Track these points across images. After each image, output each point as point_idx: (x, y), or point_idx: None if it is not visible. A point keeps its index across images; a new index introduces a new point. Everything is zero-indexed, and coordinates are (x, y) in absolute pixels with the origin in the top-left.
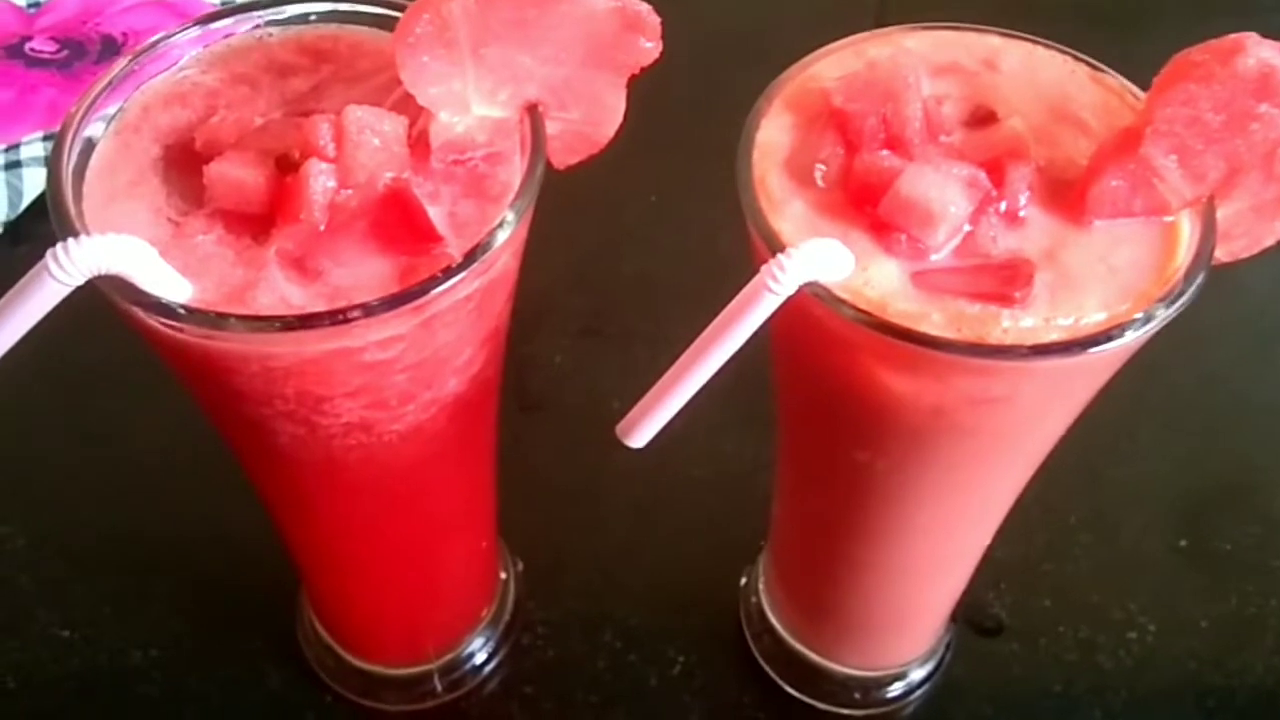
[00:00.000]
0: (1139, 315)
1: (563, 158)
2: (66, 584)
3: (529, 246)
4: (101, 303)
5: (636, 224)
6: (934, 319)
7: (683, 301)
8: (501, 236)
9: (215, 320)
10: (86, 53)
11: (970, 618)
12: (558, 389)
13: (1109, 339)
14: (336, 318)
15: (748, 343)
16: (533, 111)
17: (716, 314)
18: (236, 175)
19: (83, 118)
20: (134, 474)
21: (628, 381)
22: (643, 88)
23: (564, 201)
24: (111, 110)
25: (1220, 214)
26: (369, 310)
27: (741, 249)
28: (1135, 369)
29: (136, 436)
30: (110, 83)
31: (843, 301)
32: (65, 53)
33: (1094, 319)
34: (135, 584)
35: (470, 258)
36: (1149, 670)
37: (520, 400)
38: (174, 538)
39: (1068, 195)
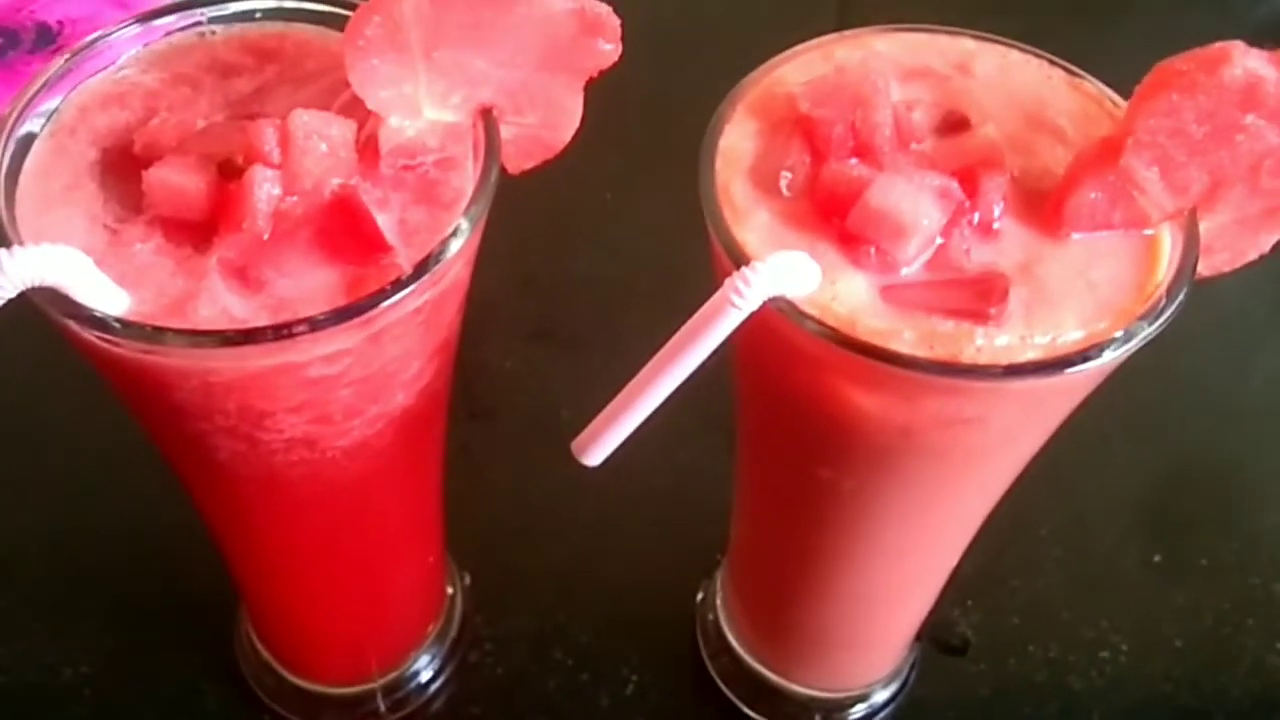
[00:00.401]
0: (1119, 334)
1: (517, 163)
2: None
3: (479, 250)
4: (34, 306)
5: (589, 224)
6: (905, 336)
7: (636, 304)
8: (455, 246)
9: (152, 334)
10: (20, 41)
11: (935, 635)
12: (508, 395)
13: (1087, 359)
14: (280, 332)
15: None
16: (486, 115)
17: (671, 316)
18: (177, 181)
19: (17, 119)
20: (67, 482)
21: (580, 387)
22: (598, 85)
23: (515, 201)
24: (47, 111)
25: (1202, 227)
26: (314, 324)
27: (696, 250)
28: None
29: (71, 443)
30: (46, 83)
31: (810, 317)
32: None
33: (1071, 337)
34: (66, 597)
35: (421, 268)
36: (1121, 691)
37: (469, 407)
38: (107, 550)
39: (1044, 207)
